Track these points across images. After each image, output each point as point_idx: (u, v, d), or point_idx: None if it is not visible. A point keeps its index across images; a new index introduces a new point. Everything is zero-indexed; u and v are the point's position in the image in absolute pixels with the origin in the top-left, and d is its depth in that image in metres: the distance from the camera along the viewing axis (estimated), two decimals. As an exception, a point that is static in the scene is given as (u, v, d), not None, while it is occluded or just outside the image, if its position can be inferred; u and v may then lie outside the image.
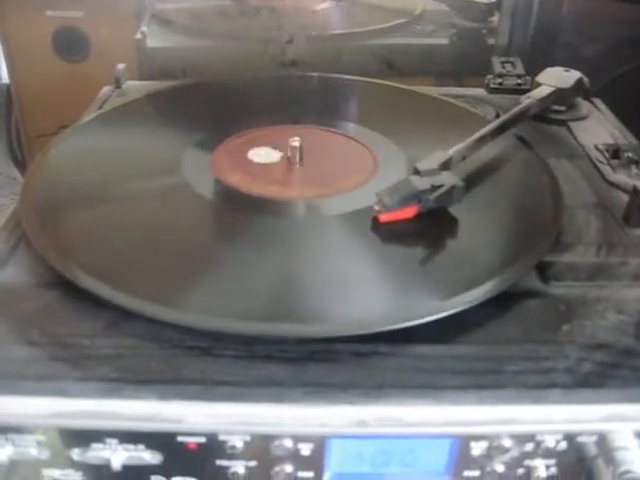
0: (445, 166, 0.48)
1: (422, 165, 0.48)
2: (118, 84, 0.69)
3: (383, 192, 0.46)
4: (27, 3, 1.05)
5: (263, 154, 0.55)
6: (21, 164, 1.26)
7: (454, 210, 0.47)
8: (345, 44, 0.88)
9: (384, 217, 0.46)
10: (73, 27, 1.07)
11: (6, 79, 1.14)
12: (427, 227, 0.46)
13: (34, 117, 1.14)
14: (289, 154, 0.54)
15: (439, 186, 0.46)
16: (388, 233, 0.45)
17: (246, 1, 1.00)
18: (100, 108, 0.64)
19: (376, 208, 0.46)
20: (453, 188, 0.46)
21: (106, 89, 0.69)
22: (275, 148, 0.55)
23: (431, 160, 0.48)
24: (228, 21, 0.93)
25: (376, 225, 0.46)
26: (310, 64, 0.82)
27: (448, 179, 0.47)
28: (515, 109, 0.59)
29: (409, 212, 0.46)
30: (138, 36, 0.87)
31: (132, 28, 0.95)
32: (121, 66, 0.70)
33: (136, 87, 0.70)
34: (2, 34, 1.07)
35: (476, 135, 0.53)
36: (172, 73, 0.83)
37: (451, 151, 0.50)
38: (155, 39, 0.88)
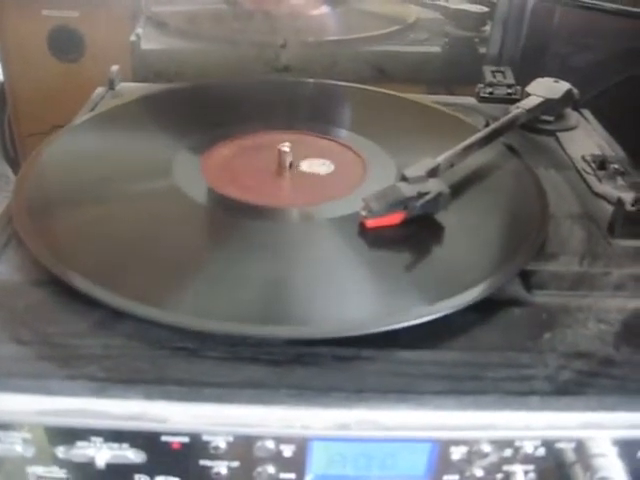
0: (432, 173, 0.49)
1: (410, 172, 0.48)
2: (112, 85, 0.70)
3: (370, 198, 0.47)
4: (23, 2, 1.05)
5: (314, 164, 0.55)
6: (14, 162, 1.26)
7: (441, 217, 0.48)
8: (338, 50, 0.88)
9: (370, 222, 0.46)
10: (68, 27, 1.07)
11: (0, 77, 1.14)
12: (413, 233, 0.47)
13: (27, 116, 1.14)
14: (279, 159, 0.54)
15: (425, 193, 0.47)
16: (374, 238, 0.46)
17: (241, 5, 1.00)
18: (93, 109, 0.65)
19: (363, 213, 0.46)
20: (439, 195, 0.47)
21: (100, 90, 0.70)
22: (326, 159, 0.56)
23: (419, 167, 0.49)
24: (222, 25, 0.93)
25: (363, 230, 0.46)
26: (303, 69, 0.83)
27: (434, 186, 0.47)
28: (504, 118, 0.59)
29: (395, 218, 0.47)
30: (133, 38, 0.88)
31: (127, 29, 0.95)
32: (115, 68, 0.70)
33: (129, 89, 0.70)
34: (-3, 32, 1.07)
35: (464, 143, 0.53)
36: (166, 75, 0.83)
37: (439, 159, 0.51)
38: (150, 41, 0.89)
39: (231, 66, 0.82)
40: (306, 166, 0.55)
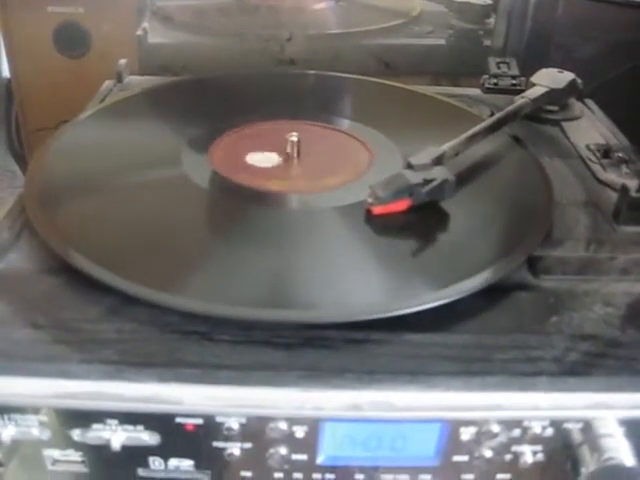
0: (438, 161, 0.50)
1: (415, 160, 0.49)
2: (120, 79, 0.70)
3: (376, 185, 0.47)
4: (28, -1, 1.06)
5: (261, 159, 0.55)
6: (20, 158, 1.26)
7: (448, 204, 0.48)
8: (343, 43, 0.89)
9: (377, 209, 0.47)
10: (74, 23, 1.08)
11: (7, 74, 1.15)
12: (420, 220, 0.47)
13: (34, 112, 1.15)
14: (287, 149, 0.55)
15: (431, 180, 0.47)
16: (383, 225, 0.47)
17: (246, -1, 1.01)
18: (101, 102, 0.65)
19: (369, 200, 0.47)
20: (445, 182, 0.47)
21: (108, 83, 0.70)
22: (272, 151, 0.56)
23: (424, 155, 0.49)
24: (228, 18, 0.94)
25: (370, 217, 0.47)
26: (309, 62, 0.83)
27: (440, 173, 0.48)
28: (509, 108, 0.60)
29: (401, 205, 0.47)
30: (139, 32, 0.88)
31: (133, 24, 0.96)
32: (123, 61, 0.71)
33: (137, 82, 0.71)
34: (3, 29, 1.07)
35: (469, 132, 0.54)
36: (172, 69, 0.83)
37: (444, 147, 0.51)
38: (156, 35, 0.89)
39: (237, 59, 0.82)
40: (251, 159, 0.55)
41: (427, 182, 0.47)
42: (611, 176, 0.55)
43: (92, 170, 0.52)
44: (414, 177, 0.47)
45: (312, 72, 0.72)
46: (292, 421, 0.36)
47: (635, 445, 0.36)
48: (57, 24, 1.08)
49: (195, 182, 0.50)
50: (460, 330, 0.39)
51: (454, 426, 0.37)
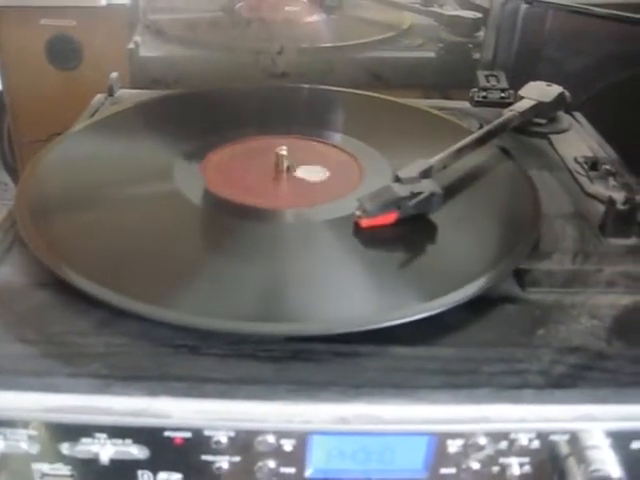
0: (426, 174, 0.50)
1: (403, 173, 0.49)
2: (111, 92, 0.70)
3: (364, 198, 0.48)
4: (21, 11, 1.06)
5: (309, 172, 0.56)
6: (12, 170, 1.27)
7: (435, 216, 0.49)
8: (335, 56, 0.89)
9: (365, 222, 0.47)
10: (66, 35, 1.08)
11: (-1, 85, 1.16)
12: (408, 232, 0.48)
13: (26, 123, 1.15)
14: (277, 163, 0.55)
15: (418, 193, 0.48)
16: (371, 238, 0.47)
17: (237, 12, 1.01)
18: (93, 115, 0.66)
19: (357, 213, 0.47)
20: (432, 195, 0.48)
21: (99, 97, 0.71)
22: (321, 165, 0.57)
23: (412, 168, 0.50)
24: (220, 32, 0.94)
25: (358, 230, 0.47)
26: (300, 75, 0.83)
27: (427, 186, 0.48)
28: (497, 121, 0.60)
29: (389, 218, 0.47)
30: (131, 45, 0.88)
31: (125, 37, 0.96)
32: (114, 75, 0.71)
33: (129, 96, 0.71)
34: (-4, 41, 1.08)
35: (457, 145, 0.54)
36: (164, 82, 0.84)
37: (432, 160, 0.52)
38: (148, 48, 0.89)
39: (229, 73, 0.82)
40: (302, 172, 0.56)
41: (414, 195, 0.47)
42: (598, 189, 0.56)
43: (82, 184, 0.53)
44: (402, 190, 0.48)
45: (303, 85, 0.73)
46: (280, 434, 0.36)
47: (621, 457, 0.36)
48: (50, 36, 1.08)
49: (185, 197, 0.51)
50: (447, 343, 0.40)
51: (441, 439, 0.37)
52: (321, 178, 0.55)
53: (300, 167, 0.56)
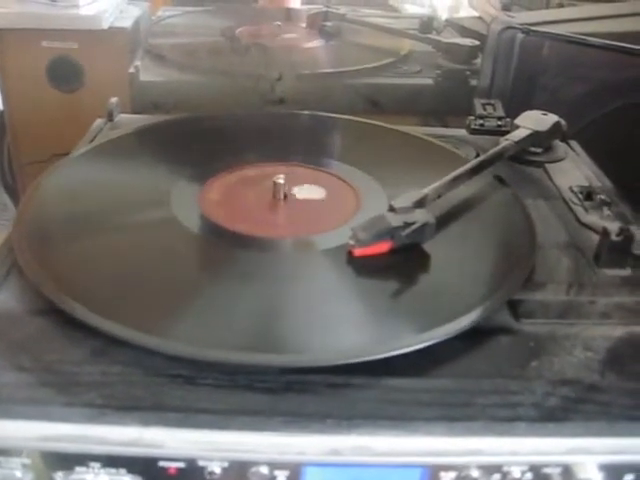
0: (420, 204, 0.50)
1: (397, 203, 0.50)
2: (110, 117, 0.71)
3: (358, 227, 0.48)
4: (23, 33, 1.07)
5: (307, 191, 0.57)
6: (12, 190, 1.27)
7: (431, 246, 0.49)
8: (333, 82, 0.90)
9: (358, 251, 0.48)
10: (68, 58, 1.09)
11: (0, 106, 1.16)
12: (402, 262, 0.48)
13: (27, 144, 1.16)
14: (274, 191, 0.55)
15: (411, 223, 0.48)
16: (366, 268, 0.47)
17: (237, 39, 1.02)
18: (92, 141, 0.66)
19: (351, 242, 0.48)
20: (425, 225, 0.48)
21: (99, 122, 0.71)
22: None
23: (406, 198, 0.50)
24: (219, 58, 0.95)
25: (351, 259, 0.48)
26: (298, 102, 0.84)
27: (421, 216, 0.49)
28: (493, 150, 0.61)
29: (382, 247, 0.48)
30: (132, 70, 0.89)
31: (126, 61, 0.97)
32: (114, 100, 0.71)
33: (128, 120, 0.71)
34: (-2, 62, 1.09)
35: (452, 174, 0.55)
36: (164, 107, 0.84)
37: (426, 189, 0.52)
38: (148, 73, 0.90)
39: (227, 98, 0.83)
40: (299, 192, 0.56)
41: (407, 225, 0.48)
42: (593, 218, 0.56)
43: (80, 212, 0.53)
44: (395, 220, 0.48)
45: (301, 112, 0.73)
46: (274, 465, 0.36)
47: (614, 490, 0.37)
48: (51, 59, 1.09)
49: (183, 225, 0.51)
50: (440, 374, 0.40)
51: (434, 471, 0.37)
52: (320, 196, 0.56)
53: (297, 187, 0.57)
